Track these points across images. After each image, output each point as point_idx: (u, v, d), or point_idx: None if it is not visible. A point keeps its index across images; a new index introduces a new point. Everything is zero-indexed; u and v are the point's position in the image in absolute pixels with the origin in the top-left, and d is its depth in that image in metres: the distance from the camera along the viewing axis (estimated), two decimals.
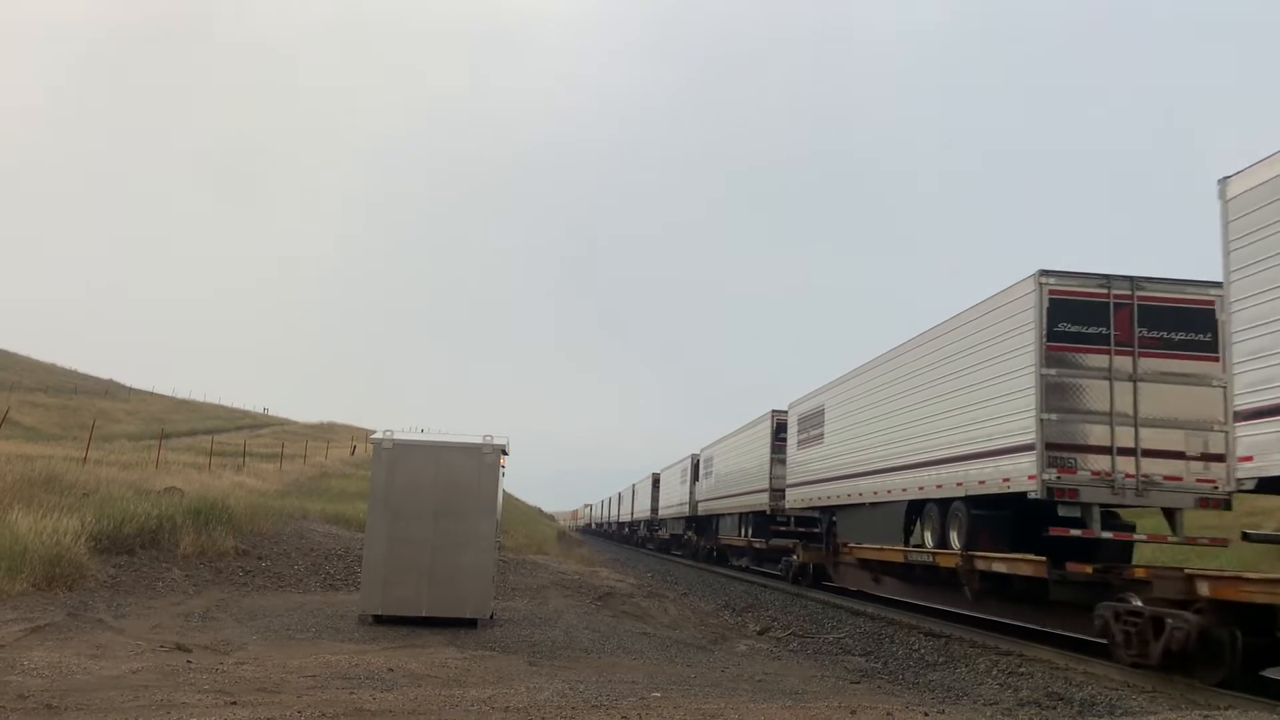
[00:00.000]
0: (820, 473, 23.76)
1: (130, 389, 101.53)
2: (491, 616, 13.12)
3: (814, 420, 24.73)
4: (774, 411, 29.61)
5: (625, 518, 73.38)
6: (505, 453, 13.20)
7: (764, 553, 31.15)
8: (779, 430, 29.12)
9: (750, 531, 32.13)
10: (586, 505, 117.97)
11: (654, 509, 56.52)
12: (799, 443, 26.15)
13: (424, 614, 12.50)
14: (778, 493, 28.60)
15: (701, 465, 41.67)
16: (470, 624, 12.54)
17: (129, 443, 42.25)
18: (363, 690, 8.04)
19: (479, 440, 13.05)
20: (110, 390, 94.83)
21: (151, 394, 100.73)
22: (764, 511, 29.80)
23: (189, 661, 9.11)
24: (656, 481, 55.95)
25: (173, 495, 20.22)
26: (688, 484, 43.91)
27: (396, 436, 13.05)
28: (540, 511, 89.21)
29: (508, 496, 17.64)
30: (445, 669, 9.37)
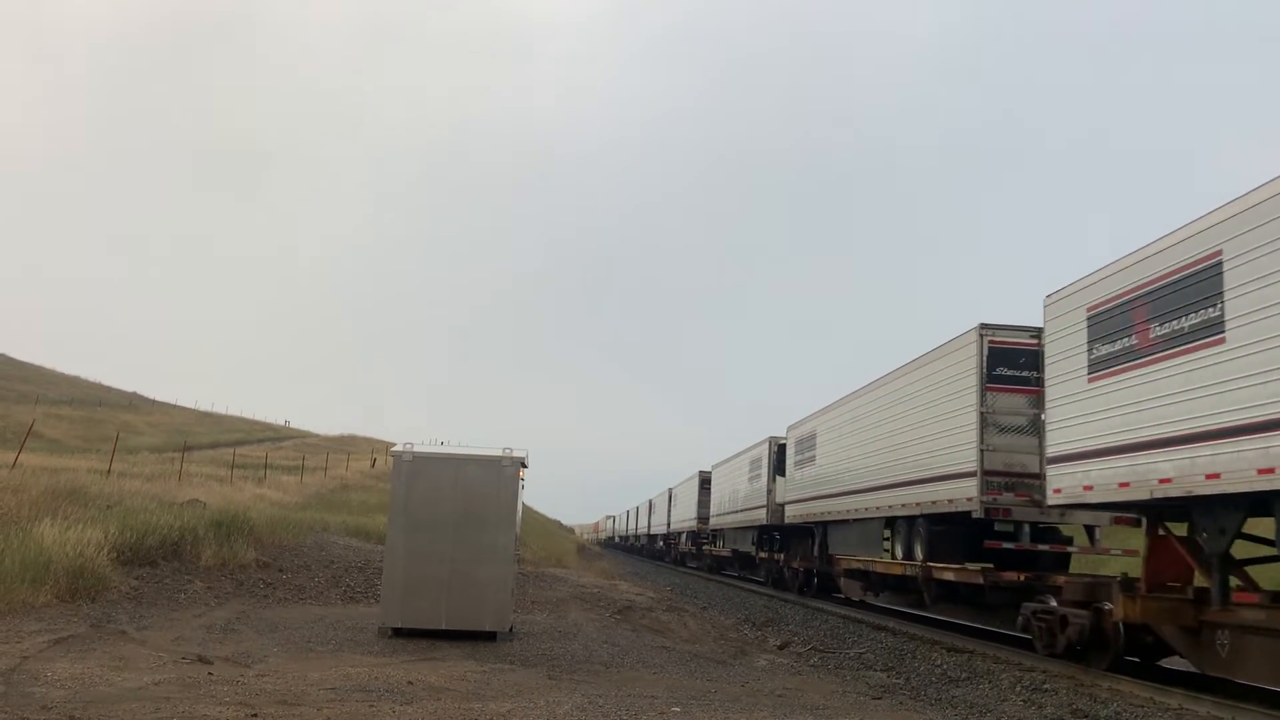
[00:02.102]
0: (1213, 413, 10.32)
1: (153, 401, 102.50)
2: (511, 629, 13.11)
3: (1178, 303, 11.10)
4: (983, 328, 16.43)
5: (659, 529, 61.08)
6: (524, 465, 13.22)
7: (968, 592, 17.08)
8: (996, 361, 16.28)
9: (926, 549, 18.12)
10: (608, 517, 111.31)
11: (701, 517, 45.34)
12: (1098, 363, 12.54)
13: (443, 627, 12.51)
14: (1009, 480, 15.97)
15: (794, 449, 28.50)
16: (489, 637, 12.54)
17: (152, 455, 42.59)
18: (382, 703, 8.05)
19: (498, 453, 13.08)
20: (134, 403, 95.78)
21: (174, 406, 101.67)
22: (965, 514, 16.44)
23: (210, 673, 9.14)
24: (706, 482, 44.48)
25: (195, 507, 20.38)
26: (763, 479, 31.98)
27: (416, 449, 13.09)
28: (559, 524, 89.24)
29: (526, 509, 17.66)
30: (464, 682, 9.37)
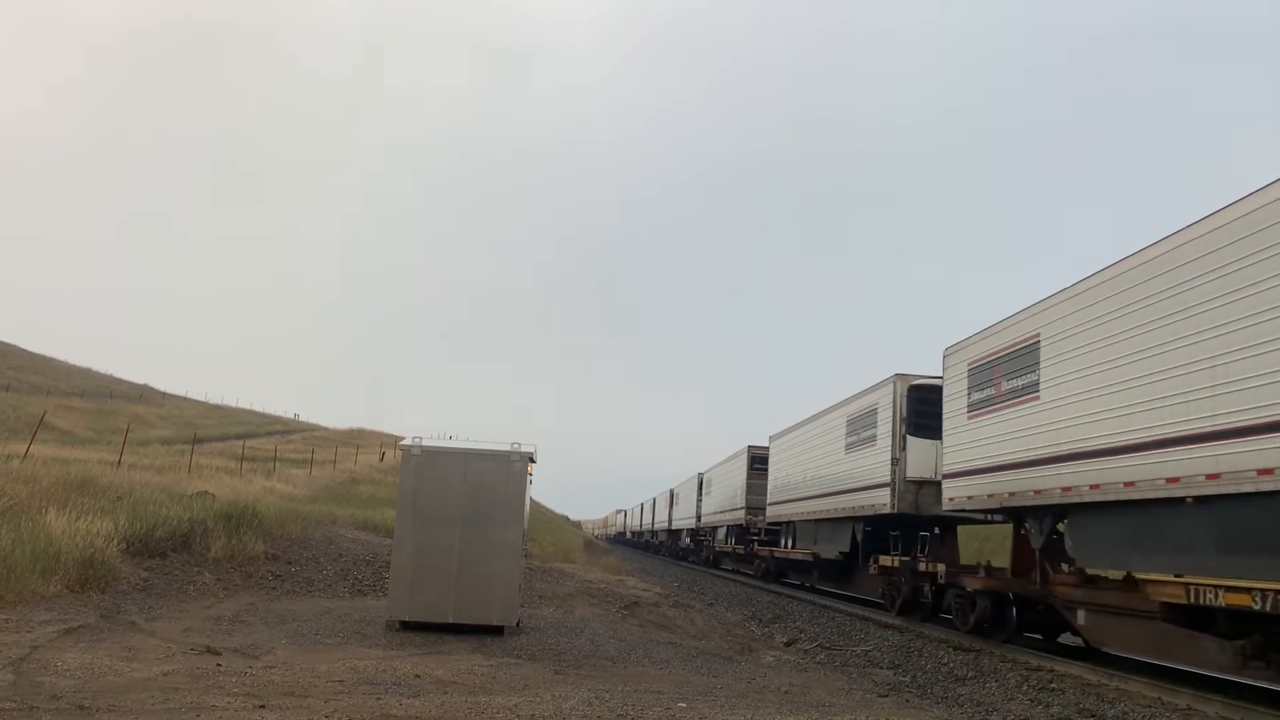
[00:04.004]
0: None
1: (164, 394, 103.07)
2: (518, 624, 13.14)
3: None
4: None
5: (684, 523, 52.20)
6: (533, 460, 13.23)
7: None
8: None
9: None
10: (619, 511, 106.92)
11: (751, 506, 35.52)
12: None
13: (451, 621, 12.54)
14: None
15: (966, 385, 17.36)
16: (497, 631, 12.56)
17: (162, 447, 42.83)
18: (389, 696, 8.07)
19: (507, 448, 13.10)
20: (144, 395, 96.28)
21: (185, 399, 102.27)
22: None
23: (219, 665, 9.18)
24: (758, 460, 34.93)
25: (204, 499, 20.47)
26: (881, 444, 21.31)
27: (425, 443, 13.11)
28: (567, 519, 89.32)
29: (534, 504, 17.61)
30: (471, 676, 9.39)
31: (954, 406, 17.81)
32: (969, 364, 17.32)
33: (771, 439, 33.32)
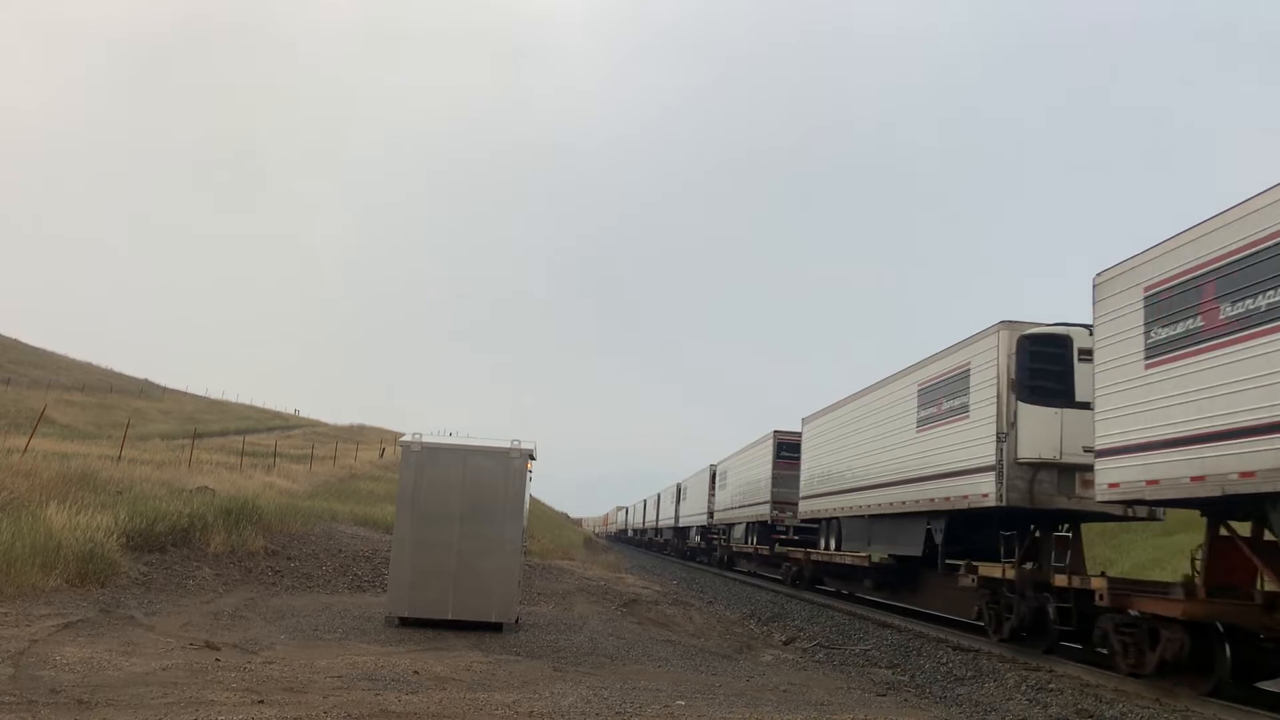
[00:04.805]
0: None
1: (164, 388, 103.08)
2: (517, 621, 13.15)
3: None
4: None
5: (693, 519, 48.35)
6: (533, 457, 13.24)
7: None
8: None
9: None
10: (620, 508, 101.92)
11: (777, 500, 30.92)
12: None
13: (449, 617, 12.55)
14: None
15: (1144, 320, 12.03)
16: (495, 628, 12.58)
17: (162, 442, 42.84)
18: (388, 692, 8.08)
19: (507, 444, 13.10)
20: (145, 390, 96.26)
21: (185, 394, 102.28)
22: None
23: (217, 660, 9.19)
24: (786, 448, 30.67)
25: (204, 494, 20.49)
26: (985, 418, 16.16)
27: (425, 439, 13.12)
28: (566, 517, 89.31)
29: (534, 501, 17.57)
30: (470, 672, 9.40)
31: (1117, 353, 12.68)
32: (1146, 290, 12.17)
33: (805, 421, 28.45)
